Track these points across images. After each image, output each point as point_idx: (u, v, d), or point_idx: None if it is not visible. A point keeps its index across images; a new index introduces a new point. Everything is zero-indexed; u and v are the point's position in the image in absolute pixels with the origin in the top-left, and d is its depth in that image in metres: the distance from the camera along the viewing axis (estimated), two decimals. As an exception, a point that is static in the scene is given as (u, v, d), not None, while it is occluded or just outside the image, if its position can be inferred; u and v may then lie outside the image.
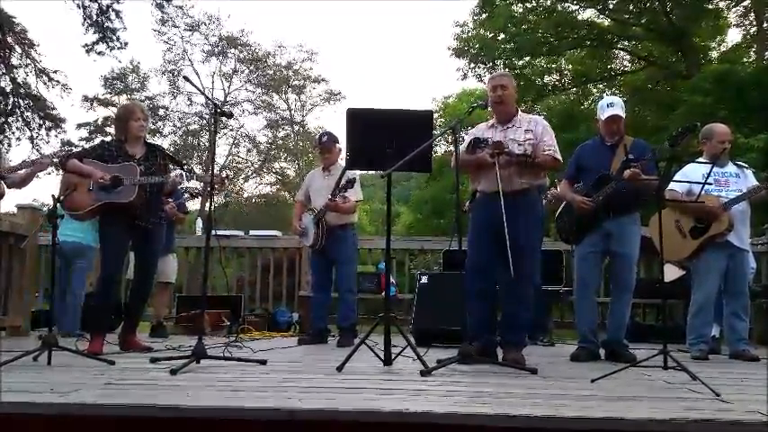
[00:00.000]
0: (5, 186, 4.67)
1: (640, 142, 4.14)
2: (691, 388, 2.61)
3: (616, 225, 3.96)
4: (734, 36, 20.21)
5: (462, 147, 3.76)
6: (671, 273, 5.42)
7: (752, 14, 15.07)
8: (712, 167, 3.89)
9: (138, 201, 3.92)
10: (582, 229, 4.09)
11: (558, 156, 3.68)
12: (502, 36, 16.05)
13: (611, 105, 4.06)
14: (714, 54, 16.46)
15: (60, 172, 4.17)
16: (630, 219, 4.01)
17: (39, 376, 2.77)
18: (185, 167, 4.35)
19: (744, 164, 4.54)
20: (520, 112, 3.85)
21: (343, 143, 4.52)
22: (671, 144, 3.61)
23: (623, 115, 4.05)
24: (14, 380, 2.59)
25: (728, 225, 4.16)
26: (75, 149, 8.11)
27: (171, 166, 4.26)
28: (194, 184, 4.44)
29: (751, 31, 15.64)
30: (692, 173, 4.17)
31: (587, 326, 4.05)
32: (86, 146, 14.38)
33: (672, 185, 4.27)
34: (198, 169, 23.40)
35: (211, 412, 2.05)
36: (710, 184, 4.03)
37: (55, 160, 4.47)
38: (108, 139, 4.41)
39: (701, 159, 4.37)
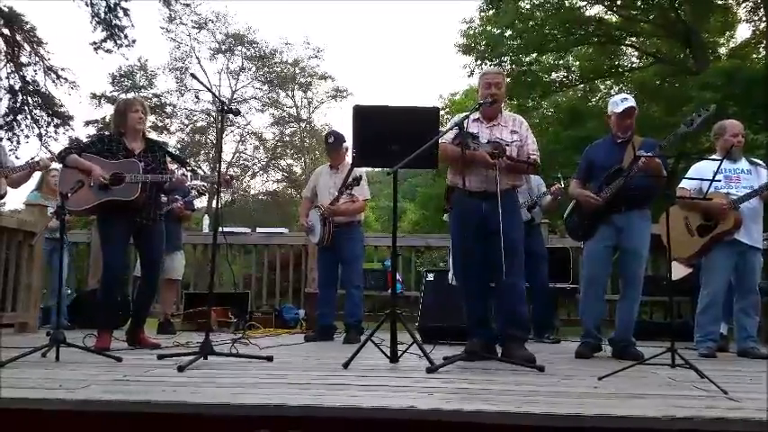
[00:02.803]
0: (6, 185, 4.72)
1: (650, 141, 4.10)
2: (698, 386, 2.60)
3: (626, 220, 3.94)
4: (743, 32, 20.06)
5: (449, 136, 3.59)
6: (678, 271, 5.37)
7: (761, 10, 14.94)
8: (721, 162, 3.85)
9: (140, 198, 3.93)
10: (591, 225, 4.07)
11: (539, 160, 3.73)
12: (509, 33, 15.98)
13: (625, 100, 4.06)
14: (723, 50, 16.33)
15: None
16: (641, 214, 3.98)
17: (47, 372, 2.78)
18: (188, 167, 4.35)
19: (759, 161, 4.46)
20: (503, 111, 3.85)
21: (349, 140, 4.52)
22: (687, 126, 3.62)
23: (636, 108, 4.04)
24: (23, 376, 2.62)
25: (735, 223, 4.12)
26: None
27: (170, 163, 4.26)
28: (200, 181, 4.44)
29: (761, 26, 15.50)
30: (704, 169, 4.14)
31: (592, 321, 4.05)
32: (86, 140, 14.41)
33: (682, 183, 4.23)
34: (205, 166, 23.51)
35: (218, 408, 2.05)
36: (719, 180, 3.99)
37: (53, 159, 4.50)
38: (107, 133, 4.40)
39: (714, 156, 4.33)
